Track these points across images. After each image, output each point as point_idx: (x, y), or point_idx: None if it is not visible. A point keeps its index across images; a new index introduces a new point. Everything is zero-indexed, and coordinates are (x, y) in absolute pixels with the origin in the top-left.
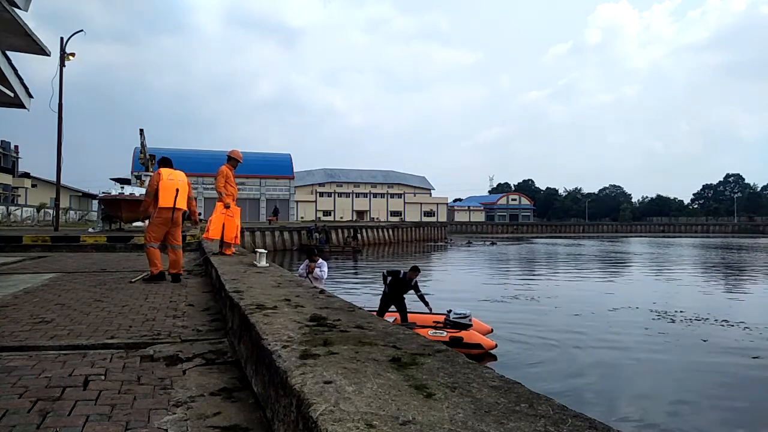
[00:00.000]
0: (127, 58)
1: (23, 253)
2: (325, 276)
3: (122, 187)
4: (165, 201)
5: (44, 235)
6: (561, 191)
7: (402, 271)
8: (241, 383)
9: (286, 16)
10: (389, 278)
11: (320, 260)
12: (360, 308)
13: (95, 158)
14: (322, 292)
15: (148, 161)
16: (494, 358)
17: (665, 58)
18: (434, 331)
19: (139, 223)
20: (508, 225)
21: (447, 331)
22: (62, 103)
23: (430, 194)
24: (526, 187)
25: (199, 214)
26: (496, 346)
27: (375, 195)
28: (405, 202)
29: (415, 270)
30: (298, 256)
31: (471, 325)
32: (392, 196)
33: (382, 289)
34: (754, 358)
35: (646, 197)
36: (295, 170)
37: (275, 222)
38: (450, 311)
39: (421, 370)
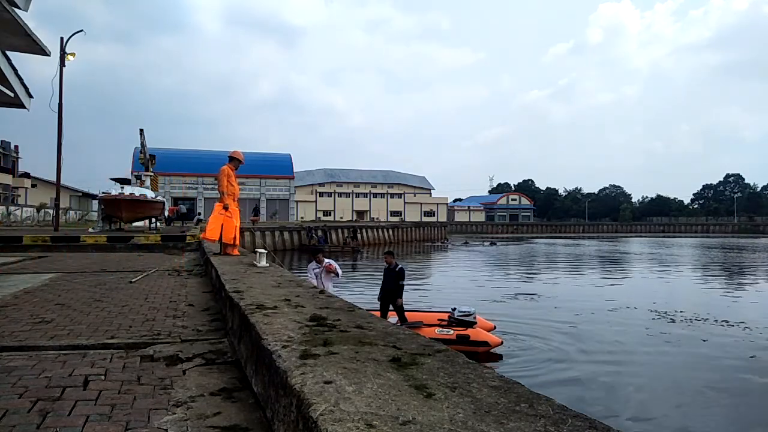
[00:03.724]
0: (127, 58)
1: (23, 253)
2: (340, 273)
3: (122, 187)
4: None
5: (44, 235)
6: (561, 191)
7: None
8: (241, 383)
9: (287, 16)
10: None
11: (326, 260)
12: (360, 308)
13: (95, 158)
14: (321, 292)
15: (148, 161)
16: (499, 356)
17: (666, 57)
18: (441, 329)
19: (139, 223)
20: (508, 225)
21: (453, 329)
22: (62, 103)
23: (430, 194)
24: (526, 187)
25: (199, 214)
26: (501, 342)
27: (375, 195)
28: (405, 202)
29: (389, 254)
30: (299, 256)
31: (476, 323)
32: (392, 196)
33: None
34: (751, 357)
35: (646, 197)
36: (295, 170)
37: (258, 222)
38: (454, 309)
39: (421, 370)
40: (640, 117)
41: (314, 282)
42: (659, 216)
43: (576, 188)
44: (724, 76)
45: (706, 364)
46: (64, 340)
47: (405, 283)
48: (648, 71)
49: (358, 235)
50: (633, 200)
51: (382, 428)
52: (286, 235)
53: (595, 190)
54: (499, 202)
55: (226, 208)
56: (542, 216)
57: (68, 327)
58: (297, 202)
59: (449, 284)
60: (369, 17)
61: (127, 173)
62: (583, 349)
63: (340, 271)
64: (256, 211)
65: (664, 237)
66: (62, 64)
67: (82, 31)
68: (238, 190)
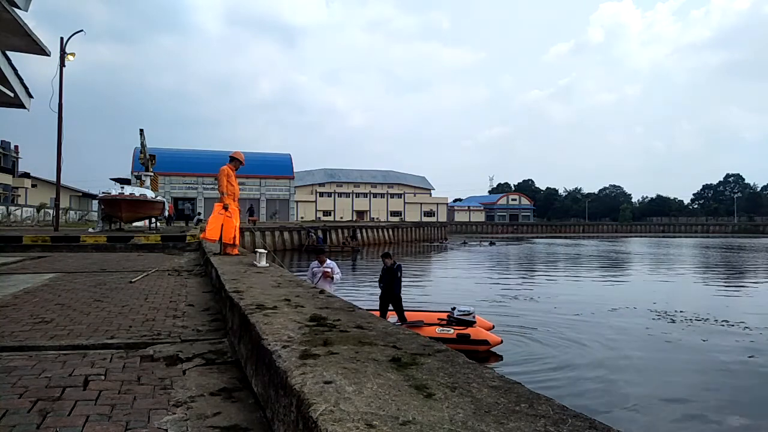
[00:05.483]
0: (127, 58)
1: (23, 253)
2: (339, 277)
3: (122, 187)
4: None
5: (44, 235)
6: (561, 191)
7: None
8: (241, 383)
9: (288, 16)
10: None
11: (328, 260)
12: (360, 308)
13: (95, 158)
14: (321, 292)
15: (148, 161)
16: (499, 356)
17: (667, 57)
18: (441, 328)
19: (139, 223)
20: (508, 225)
21: (453, 328)
22: (62, 103)
23: (430, 194)
24: (526, 187)
25: (199, 213)
26: (501, 341)
27: (375, 195)
28: (405, 202)
29: (386, 256)
30: (299, 256)
31: (475, 322)
32: (392, 196)
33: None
34: (750, 357)
35: (646, 197)
36: (295, 170)
37: (257, 222)
38: (454, 308)
39: (421, 370)
40: (640, 117)
41: (313, 281)
42: (659, 216)
43: (576, 188)
44: (725, 76)
45: (706, 364)
46: (64, 340)
47: (402, 276)
48: (649, 71)
49: (358, 235)
50: (633, 200)
51: (382, 428)
52: (286, 235)
53: (595, 190)
54: (499, 202)
55: (226, 208)
56: (542, 216)
57: (68, 327)
58: (297, 202)
59: (449, 284)
60: (369, 17)
61: (127, 173)
62: (583, 349)
63: (337, 277)
64: (251, 212)
65: (664, 237)
66: (62, 64)
67: (82, 31)
68: (238, 190)
